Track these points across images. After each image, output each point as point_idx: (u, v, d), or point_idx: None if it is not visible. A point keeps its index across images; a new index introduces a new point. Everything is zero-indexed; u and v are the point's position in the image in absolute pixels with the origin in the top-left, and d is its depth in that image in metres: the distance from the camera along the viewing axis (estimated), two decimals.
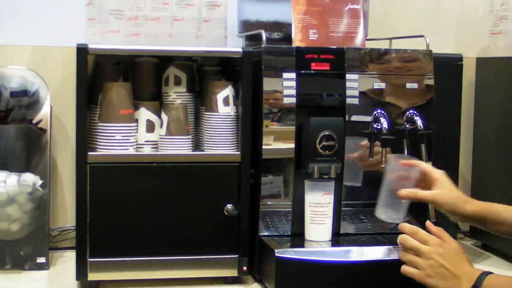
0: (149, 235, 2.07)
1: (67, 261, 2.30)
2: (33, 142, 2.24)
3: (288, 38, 2.25)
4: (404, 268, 1.83)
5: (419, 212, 2.20)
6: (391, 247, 2.07)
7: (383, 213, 1.99)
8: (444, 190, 1.91)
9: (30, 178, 2.18)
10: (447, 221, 2.29)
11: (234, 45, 2.27)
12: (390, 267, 2.00)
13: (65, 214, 2.47)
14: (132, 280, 2.07)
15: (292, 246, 2.05)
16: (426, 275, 1.79)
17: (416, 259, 1.81)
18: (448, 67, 2.30)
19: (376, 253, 2.04)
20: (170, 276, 2.08)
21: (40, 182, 2.20)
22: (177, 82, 2.17)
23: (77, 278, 2.05)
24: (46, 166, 2.26)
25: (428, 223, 1.88)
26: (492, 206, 1.93)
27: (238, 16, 2.40)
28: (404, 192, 1.91)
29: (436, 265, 1.78)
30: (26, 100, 2.28)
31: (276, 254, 1.97)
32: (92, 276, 2.04)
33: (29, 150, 2.24)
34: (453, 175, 2.32)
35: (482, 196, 2.52)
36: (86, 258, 2.03)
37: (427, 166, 1.96)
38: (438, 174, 1.93)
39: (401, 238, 1.84)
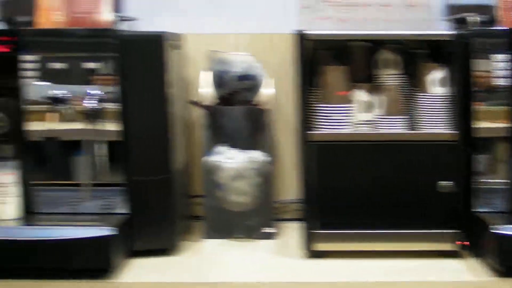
0: (367, 210, 1.96)
1: (289, 231, 2.21)
2: (257, 122, 2.17)
3: (491, 21, 2.06)
4: None
5: None
6: None
7: None
8: None
9: (258, 155, 2.11)
10: None
11: (437, 28, 2.10)
12: None
13: (286, 188, 2.36)
14: (352, 251, 1.97)
15: (510, 223, 1.87)
16: None
17: None
18: None
19: None
20: (387, 249, 1.97)
21: (267, 159, 2.12)
22: (388, 65, 2.05)
23: (306, 248, 1.97)
24: (270, 144, 2.19)
25: None
26: None
27: (444, 0, 2.18)
28: None
29: None
30: (249, 83, 2.17)
31: (495, 231, 1.81)
32: (319, 247, 1.96)
33: (254, 129, 2.16)
34: None
35: None
36: (314, 229, 1.95)
37: None
38: None
39: None
